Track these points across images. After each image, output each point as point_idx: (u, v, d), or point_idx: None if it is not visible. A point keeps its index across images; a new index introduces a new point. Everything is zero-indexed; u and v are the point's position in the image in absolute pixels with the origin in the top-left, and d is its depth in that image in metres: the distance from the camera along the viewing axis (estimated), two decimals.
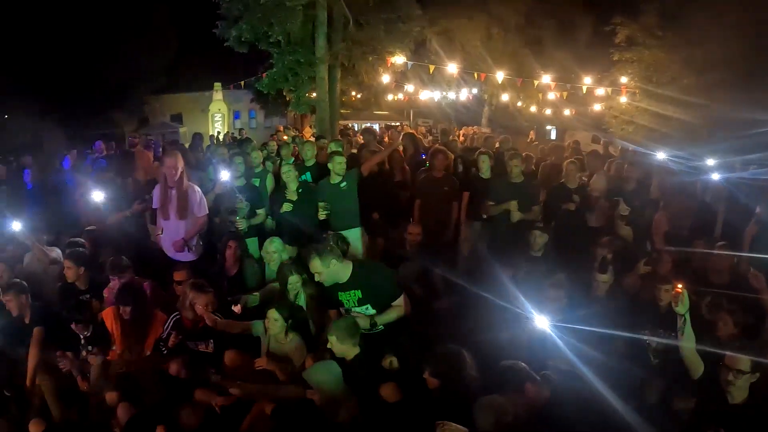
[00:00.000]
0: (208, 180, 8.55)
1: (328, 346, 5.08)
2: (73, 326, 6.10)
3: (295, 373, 5.42)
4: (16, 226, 7.18)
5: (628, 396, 4.61)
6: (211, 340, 5.86)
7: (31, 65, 26.15)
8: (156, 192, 7.25)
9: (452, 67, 19.20)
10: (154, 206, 7.33)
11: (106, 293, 6.70)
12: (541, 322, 4.95)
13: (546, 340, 5.04)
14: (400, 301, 5.73)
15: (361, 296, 5.63)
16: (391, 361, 5.13)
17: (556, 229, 7.85)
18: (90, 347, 6.07)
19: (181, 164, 7.07)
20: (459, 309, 6.48)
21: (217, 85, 32.62)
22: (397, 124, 31.09)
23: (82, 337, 6.11)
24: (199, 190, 7.29)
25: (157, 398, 5.60)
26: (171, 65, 33.43)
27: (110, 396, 5.62)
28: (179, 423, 5.15)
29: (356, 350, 5.07)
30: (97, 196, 8.14)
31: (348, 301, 5.67)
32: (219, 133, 27.95)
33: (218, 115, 32.52)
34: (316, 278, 5.58)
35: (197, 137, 14.88)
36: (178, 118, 38.97)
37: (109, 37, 28.35)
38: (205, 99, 33.96)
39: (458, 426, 4.00)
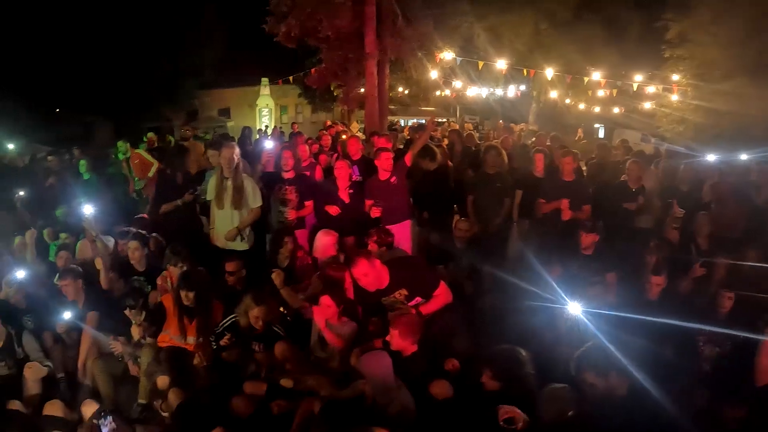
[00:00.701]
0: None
1: (387, 338, 5.08)
2: (126, 311, 6.21)
3: (344, 360, 5.45)
4: (87, 210, 7.34)
5: (678, 400, 4.54)
6: (262, 344, 5.89)
7: (82, 60, 26.63)
8: (210, 183, 7.37)
9: (501, 63, 19.04)
10: (208, 197, 7.45)
11: (159, 281, 6.83)
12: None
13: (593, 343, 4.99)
14: (441, 289, 5.70)
15: (408, 293, 5.63)
16: (453, 363, 5.10)
17: (605, 228, 7.72)
18: (143, 332, 6.19)
19: (237, 155, 7.16)
20: (507, 307, 6.44)
21: (265, 80, 32.80)
22: (444, 120, 30.99)
23: (133, 322, 6.22)
24: (253, 181, 7.37)
25: (209, 385, 5.69)
26: (219, 60, 33.81)
27: (162, 380, 5.74)
28: (230, 411, 5.19)
29: (414, 348, 5.09)
30: (149, 186, 8.32)
31: (394, 302, 5.66)
32: (267, 127, 28.15)
33: (265, 110, 32.69)
34: (362, 282, 5.55)
35: (246, 131, 15.06)
36: (225, 113, 39.47)
37: (160, 33, 28.79)
38: (252, 94, 34.16)
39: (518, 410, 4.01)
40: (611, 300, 5.99)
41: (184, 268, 6.51)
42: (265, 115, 32.57)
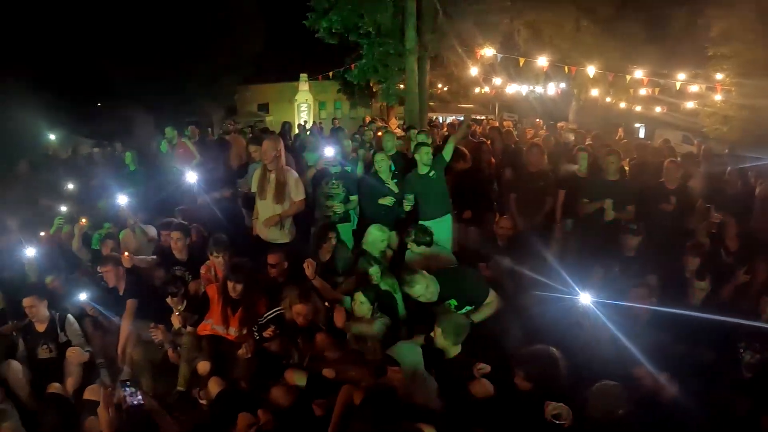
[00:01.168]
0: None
1: (431, 334, 5.10)
2: (168, 299, 6.27)
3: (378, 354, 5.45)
4: (122, 200, 7.42)
5: (718, 407, 4.46)
6: (305, 338, 5.92)
7: (123, 55, 26.95)
8: (254, 175, 7.47)
9: (542, 60, 18.85)
10: (252, 189, 7.53)
11: (203, 270, 6.89)
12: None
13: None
14: (490, 298, 5.87)
15: (456, 304, 5.79)
16: (482, 367, 5.07)
17: (648, 229, 7.58)
18: (183, 320, 6.25)
19: (280, 148, 7.21)
20: (547, 306, 6.38)
21: (303, 75, 32.99)
22: (482, 117, 30.84)
23: (176, 310, 6.27)
24: (296, 174, 7.42)
25: (249, 374, 5.72)
26: (259, 56, 34.03)
27: (203, 366, 5.81)
28: (270, 401, 5.22)
29: (457, 350, 5.07)
30: (191, 177, 8.40)
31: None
32: (306, 122, 28.27)
33: (304, 105, 32.87)
34: (418, 296, 5.72)
35: (286, 125, 15.14)
36: (264, 108, 39.80)
37: (200, 28, 29.05)
38: (291, 89, 34.38)
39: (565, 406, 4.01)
40: (653, 303, 5.88)
41: (231, 260, 6.60)
42: (304, 110, 32.75)
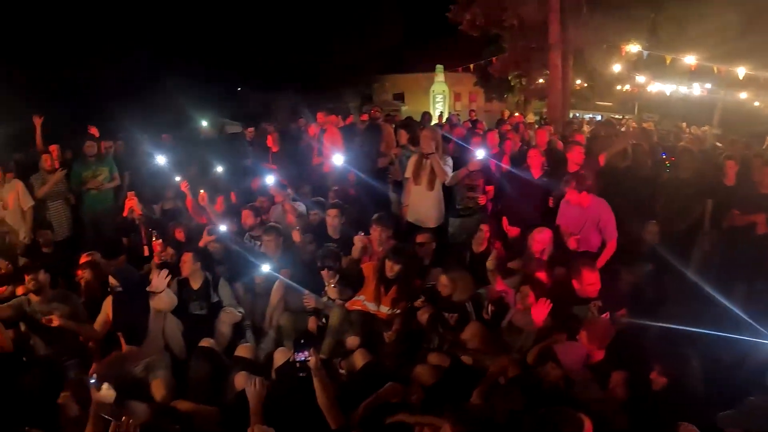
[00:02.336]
0: None
1: (577, 337, 5.14)
2: (324, 272, 6.57)
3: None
4: (270, 179, 7.87)
5: None
6: (456, 315, 6.12)
7: (264, 42, 27.90)
8: (410, 162, 7.74)
9: (690, 59, 18.14)
10: (406, 175, 7.80)
11: (358, 242, 7.17)
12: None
13: None
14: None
15: (600, 305, 5.82)
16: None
17: None
18: (339, 293, 6.53)
19: (439, 138, 7.49)
20: (686, 315, 6.22)
21: (439, 67, 33.10)
22: (619, 117, 29.93)
23: (328, 283, 6.56)
24: (451, 163, 7.63)
25: (395, 352, 5.93)
26: (397, 46, 34.44)
27: (352, 340, 6.07)
28: (412, 379, 5.37)
29: (601, 355, 5.10)
30: (338, 159, 8.74)
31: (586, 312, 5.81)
32: (442, 113, 28.38)
33: (440, 96, 33.03)
34: (587, 291, 5.80)
35: (426, 116, 15.26)
36: (400, 97, 40.22)
37: (342, 18, 29.74)
38: (426, 80, 34.59)
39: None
40: None
41: (389, 240, 6.94)
42: (439, 101, 32.91)
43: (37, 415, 4.58)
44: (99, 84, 19.99)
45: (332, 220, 7.62)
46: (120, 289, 5.82)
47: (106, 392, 4.49)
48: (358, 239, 7.12)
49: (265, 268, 6.85)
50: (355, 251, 7.16)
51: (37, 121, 9.94)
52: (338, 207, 7.74)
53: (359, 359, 5.64)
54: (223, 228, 7.52)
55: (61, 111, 11.56)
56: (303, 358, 4.42)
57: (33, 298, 6.28)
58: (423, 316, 6.12)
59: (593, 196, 6.92)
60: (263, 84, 29.52)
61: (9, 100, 15.89)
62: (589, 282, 5.77)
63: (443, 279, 6.19)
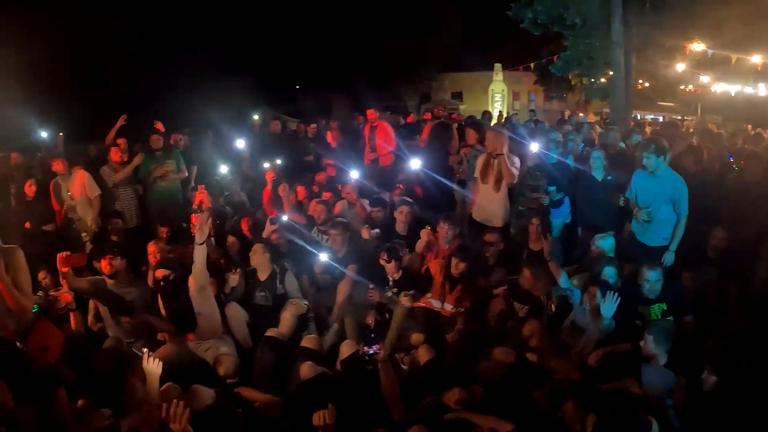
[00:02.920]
0: None
1: (641, 343, 5.07)
2: (387, 266, 6.68)
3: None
4: (354, 174, 8.24)
5: None
6: (527, 307, 6.19)
7: (327, 42, 28.16)
8: (478, 161, 7.78)
9: (756, 58, 17.63)
10: (475, 174, 7.85)
11: (424, 236, 7.19)
12: None
13: None
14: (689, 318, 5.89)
15: (665, 308, 5.78)
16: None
17: None
18: (396, 288, 6.62)
19: (506, 139, 7.51)
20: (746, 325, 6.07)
21: (498, 65, 32.95)
22: (681, 118, 29.29)
23: (391, 278, 6.67)
24: (518, 163, 7.62)
25: (457, 349, 5.99)
26: (455, 45, 34.39)
27: (417, 337, 6.14)
28: (476, 375, 5.41)
29: (665, 358, 5.02)
30: (415, 164, 8.83)
31: (651, 314, 5.78)
32: (500, 113, 28.26)
33: (498, 95, 32.87)
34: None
35: (486, 115, 15.26)
36: (458, 96, 40.10)
37: (402, 17, 29.85)
38: (485, 79, 34.42)
39: None
40: None
41: (456, 238, 7.01)
42: (498, 100, 32.74)
43: (106, 397, 4.70)
44: (165, 81, 20.43)
45: (403, 216, 7.72)
46: (171, 278, 6.00)
47: (153, 366, 4.69)
48: (425, 233, 7.16)
49: (323, 257, 7.02)
50: (420, 244, 7.23)
51: (121, 120, 10.26)
52: (408, 204, 7.84)
53: (423, 355, 5.65)
54: (285, 219, 7.73)
55: (128, 106, 11.82)
56: (372, 351, 4.48)
57: (108, 281, 6.49)
58: (495, 307, 6.16)
59: (668, 168, 6.77)
60: (322, 81, 29.84)
61: (75, 96, 16.47)
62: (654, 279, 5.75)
63: (526, 272, 6.24)
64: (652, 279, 5.75)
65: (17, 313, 4.21)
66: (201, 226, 5.75)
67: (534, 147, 7.77)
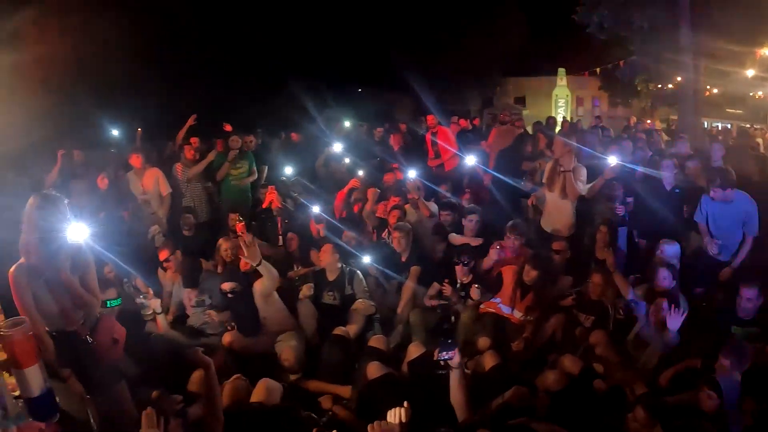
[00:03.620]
0: None
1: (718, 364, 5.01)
2: (457, 268, 6.80)
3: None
4: (412, 173, 8.29)
5: None
6: (593, 317, 6.22)
7: (390, 46, 28.30)
8: (546, 168, 7.85)
9: None
10: (543, 181, 7.90)
11: (497, 245, 7.19)
12: None
13: None
14: None
15: (756, 332, 5.69)
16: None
17: None
18: (479, 293, 6.72)
19: (574, 150, 7.61)
20: None
21: (561, 70, 32.63)
22: (748, 126, 28.51)
23: (459, 281, 6.78)
24: (585, 175, 7.62)
25: (522, 357, 6.05)
26: (519, 49, 34.17)
27: (483, 341, 6.19)
28: (538, 383, 5.42)
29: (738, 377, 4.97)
30: (470, 160, 8.90)
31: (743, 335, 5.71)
32: (564, 118, 28.02)
33: (562, 101, 32.56)
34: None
35: (551, 121, 15.19)
36: (521, 101, 39.79)
37: (466, 21, 29.83)
38: (548, 83, 34.14)
39: None
40: None
41: (523, 246, 7.08)
42: (561, 106, 32.44)
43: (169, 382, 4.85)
44: (237, 84, 20.93)
45: (472, 225, 7.77)
46: (237, 290, 6.24)
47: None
48: (494, 252, 7.11)
49: (366, 259, 7.22)
50: (488, 261, 7.18)
51: (190, 120, 10.65)
52: (477, 212, 7.87)
53: (488, 361, 5.69)
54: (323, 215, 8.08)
55: (202, 108, 12.18)
56: (448, 356, 4.56)
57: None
58: (558, 318, 6.20)
59: (737, 190, 6.70)
60: (385, 85, 29.99)
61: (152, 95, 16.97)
62: (748, 297, 5.66)
63: (595, 279, 6.24)
64: (746, 296, 5.68)
65: (84, 310, 4.35)
66: (250, 252, 5.90)
67: (612, 161, 7.51)
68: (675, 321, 5.51)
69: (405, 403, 3.64)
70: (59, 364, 4.06)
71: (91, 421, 3.93)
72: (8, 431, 2.81)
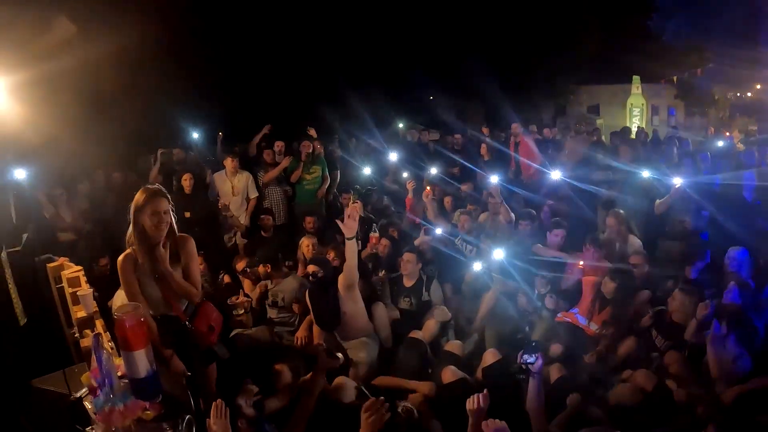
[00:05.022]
0: None
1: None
2: (538, 279, 6.96)
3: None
4: (494, 179, 8.34)
5: None
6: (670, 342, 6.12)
7: (461, 52, 28.33)
8: None
9: None
10: None
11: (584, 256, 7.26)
12: None
13: None
14: None
15: None
16: None
17: None
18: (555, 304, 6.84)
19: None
20: None
21: (636, 78, 32.00)
22: None
23: (537, 290, 6.95)
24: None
25: (592, 370, 6.02)
26: (593, 57, 33.74)
27: (555, 348, 6.24)
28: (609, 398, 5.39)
29: None
30: (556, 174, 9.02)
31: None
32: (639, 128, 27.57)
33: (636, 110, 31.92)
34: None
35: (626, 131, 15.04)
36: (594, 110, 39.20)
37: (539, 27, 29.69)
38: (622, 92, 33.49)
39: None
40: None
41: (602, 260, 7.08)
42: (636, 115, 31.83)
43: (256, 374, 4.99)
44: (315, 90, 21.31)
45: (557, 239, 7.79)
46: (320, 275, 6.30)
47: None
48: (576, 270, 7.16)
49: (477, 266, 7.22)
50: (568, 279, 7.25)
51: (265, 129, 11.17)
52: (563, 227, 7.88)
53: (554, 372, 5.72)
54: (439, 230, 8.02)
55: (279, 113, 12.50)
56: (531, 360, 4.60)
57: None
58: (633, 341, 6.16)
59: None
60: (456, 92, 30.02)
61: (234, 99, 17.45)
62: None
63: (677, 296, 6.03)
64: None
65: (185, 298, 4.59)
66: (350, 221, 5.66)
67: (677, 182, 7.45)
68: (734, 344, 5.25)
69: (485, 390, 3.74)
70: (162, 345, 4.32)
71: (191, 402, 4.12)
72: (116, 408, 2.98)
